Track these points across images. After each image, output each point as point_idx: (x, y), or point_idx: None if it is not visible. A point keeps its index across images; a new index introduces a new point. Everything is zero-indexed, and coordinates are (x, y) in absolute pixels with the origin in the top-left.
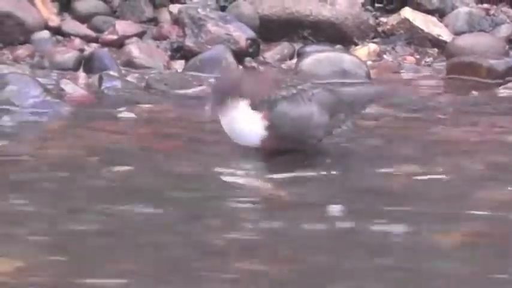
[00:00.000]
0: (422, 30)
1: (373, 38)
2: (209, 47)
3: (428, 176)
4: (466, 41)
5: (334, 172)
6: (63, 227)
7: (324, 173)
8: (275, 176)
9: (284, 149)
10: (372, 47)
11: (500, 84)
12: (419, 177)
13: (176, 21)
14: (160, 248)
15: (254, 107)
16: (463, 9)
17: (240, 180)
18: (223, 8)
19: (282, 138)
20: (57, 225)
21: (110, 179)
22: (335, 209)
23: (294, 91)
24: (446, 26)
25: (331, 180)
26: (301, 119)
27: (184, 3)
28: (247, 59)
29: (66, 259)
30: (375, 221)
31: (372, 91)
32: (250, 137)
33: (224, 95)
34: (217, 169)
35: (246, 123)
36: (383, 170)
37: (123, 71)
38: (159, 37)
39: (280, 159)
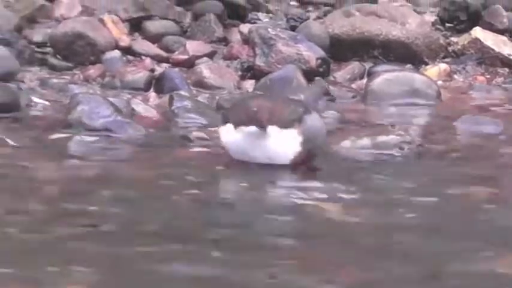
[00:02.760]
0: (493, 49)
1: (444, 57)
2: (279, 66)
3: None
4: None
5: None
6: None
7: (393, 195)
8: (345, 197)
9: (307, 162)
10: (443, 66)
11: None
12: (491, 198)
13: (246, 41)
14: None
15: (284, 126)
16: None
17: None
18: (293, 28)
19: (312, 151)
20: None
21: (179, 203)
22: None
23: (304, 106)
24: None
25: (403, 203)
26: (323, 129)
27: (255, 23)
28: (317, 78)
29: None
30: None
31: (314, 96)
32: (285, 155)
33: (248, 122)
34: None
35: (280, 142)
36: (452, 191)
37: (193, 91)
38: (230, 57)
39: (341, 181)
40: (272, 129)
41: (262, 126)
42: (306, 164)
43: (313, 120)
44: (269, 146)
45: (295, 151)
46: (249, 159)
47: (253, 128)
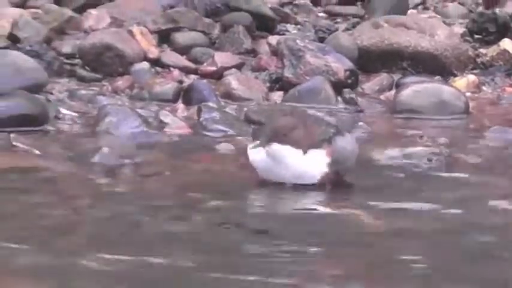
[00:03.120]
0: None
1: (472, 69)
2: (308, 78)
3: None
4: None
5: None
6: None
7: (429, 206)
8: (381, 206)
9: (335, 183)
10: (471, 78)
11: None
12: None
13: (275, 52)
14: None
15: (313, 146)
16: None
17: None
18: (321, 39)
19: (341, 172)
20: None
21: (206, 213)
22: None
23: (336, 127)
24: None
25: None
26: (353, 150)
27: (283, 34)
28: (346, 90)
29: None
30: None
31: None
32: (312, 175)
33: (276, 140)
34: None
35: (307, 163)
36: (481, 202)
37: (221, 103)
38: (258, 68)
39: (378, 191)
40: (300, 150)
41: (291, 146)
42: (332, 185)
43: (344, 141)
44: (296, 166)
45: (322, 172)
46: (276, 179)
47: (281, 147)
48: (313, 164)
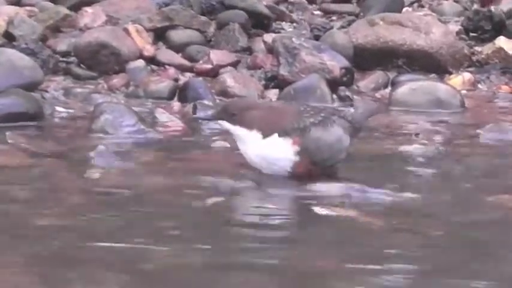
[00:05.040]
0: None
1: (468, 67)
2: (303, 76)
3: None
4: None
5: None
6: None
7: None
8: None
9: (313, 174)
10: (467, 76)
11: None
12: None
13: (270, 50)
14: None
15: (283, 135)
16: None
17: None
18: (317, 37)
19: (314, 162)
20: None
21: (202, 210)
22: None
23: (320, 118)
24: None
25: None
26: (333, 143)
27: (279, 32)
28: (341, 88)
29: None
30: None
31: (366, 112)
32: (281, 164)
33: (227, 119)
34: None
35: (276, 151)
36: (478, 200)
37: (217, 101)
38: (254, 66)
39: (376, 184)
40: (258, 133)
41: (241, 126)
42: (312, 176)
43: (321, 133)
44: (255, 149)
45: (289, 160)
46: (260, 168)
47: (229, 125)
48: (276, 151)
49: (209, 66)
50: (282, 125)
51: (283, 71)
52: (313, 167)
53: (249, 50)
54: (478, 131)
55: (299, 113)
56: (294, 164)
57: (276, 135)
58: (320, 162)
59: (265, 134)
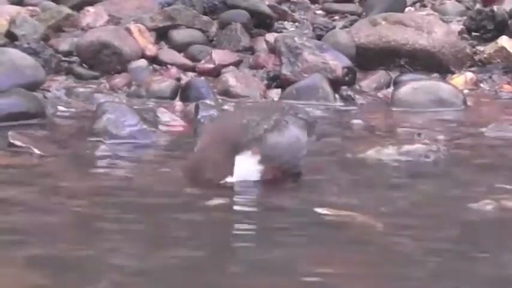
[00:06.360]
0: None
1: (470, 66)
2: (305, 75)
3: None
4: None
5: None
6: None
7: (422, 204)
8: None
9: (279, 178)
10: (469, 75)
11: None
12: None
13: (273, 50)
14: None
15: (242, 147)
16: None
17: None
18: (319, 37)
19: (277, 167)
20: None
21: (204, 212)
22: None
23: (272, 122)
24: None
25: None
26: (291, 144)
27: (281, 32)
28: (344, 87)
29: None
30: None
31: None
32: (250, 174)
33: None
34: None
35: (241, 164)
36: (479, 201)
37: (219, 100)
38: (256, 66)
39: (372, 192)
40: (234, 151)
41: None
42: (279, 180)
43: (277, 138)
44: (236, 167)
45: (258, 171)
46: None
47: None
48: (246, 165)
49: (211, 65)
50: (236, 140)
51: (285, 71)
52: (278, 171)
53: (251, 50)
54: (481, 130)
55: (246, 124)
56: (260, 173)
57: (239, 150)
58: (282, 165)
59: (227, 156)
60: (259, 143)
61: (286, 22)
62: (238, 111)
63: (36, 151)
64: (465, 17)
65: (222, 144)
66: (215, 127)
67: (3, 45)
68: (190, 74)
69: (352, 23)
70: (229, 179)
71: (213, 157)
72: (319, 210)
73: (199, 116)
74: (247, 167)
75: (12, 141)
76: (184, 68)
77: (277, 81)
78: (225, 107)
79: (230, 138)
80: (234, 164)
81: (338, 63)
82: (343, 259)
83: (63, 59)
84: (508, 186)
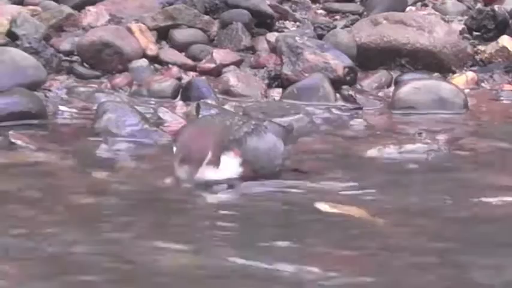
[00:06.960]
0: None
1: (471, 66)
2: (306, 75)
3: None
4: None
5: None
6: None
7: (419, 202)
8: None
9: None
10: (470, 75)
11: None
12: None
13: (274, 49)
14: None
15: (223, 149)
16: None
17: None
18: (320, 36)
19: (254, 171)
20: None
21: (203, 209)
22: None
23: (252, 126)
24: None
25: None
26: (269, 150)
27: (282, 31)
28: (345, 87)
29: None
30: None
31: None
32: (230, 173)
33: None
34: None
35: (223, 166)
36: (482, 200)
37: (220, 100)
38: (257, 65)
39: (374, 188)
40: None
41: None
42: (246, 181)
43: (256, 142)
44: (217, 170)
45: (237, 172)
46: None
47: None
48: (227, 167)
49: (212, 65)
50: (218, 141)
51: (286, 70)
52: (254, 175)
53: (252, 49)
54: (481, 129)
55: (229, 126)
56: (240, 175)
57: (221, 153)
58: (259, 170)
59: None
60: (240, 144)
61: (287, 22)
62: (217, 116)
63: (36, 150)
64: (466, 17)
65: (208, 141)
66: (197, 126)
67: (5, 45)
68: (192, 74)
69: (353, 22)
70: (209, 177)
71: (199, 150)
72: (320, 206)
73: (200, 116)
74: (227, 166)
75: (13, 140)
76: (185, 68)
77: (278, 80)
78: (226, 106)
79: (214, 138)
80: (219, 162)
81: (339, 62)
82: (344, 255)
83: (64, 58)
84: (510, 184)
